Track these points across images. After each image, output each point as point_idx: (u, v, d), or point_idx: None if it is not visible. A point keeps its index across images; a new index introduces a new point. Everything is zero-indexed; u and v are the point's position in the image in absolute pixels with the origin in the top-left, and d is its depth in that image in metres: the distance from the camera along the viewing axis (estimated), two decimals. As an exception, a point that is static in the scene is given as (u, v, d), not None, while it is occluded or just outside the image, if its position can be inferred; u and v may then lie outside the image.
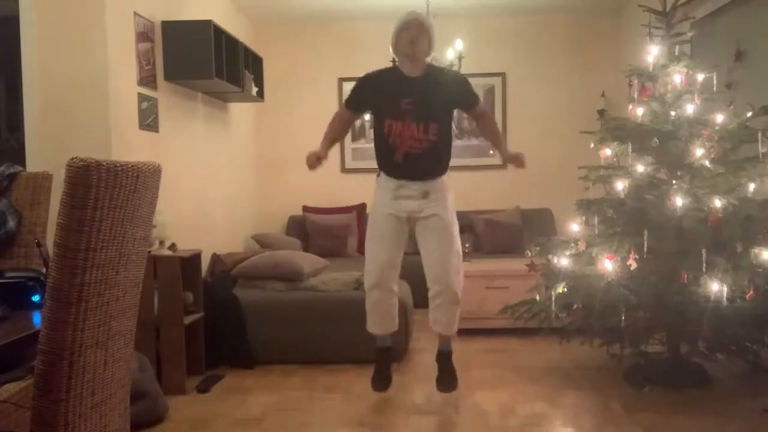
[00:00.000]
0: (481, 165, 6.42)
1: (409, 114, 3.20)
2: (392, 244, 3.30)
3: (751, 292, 3.13)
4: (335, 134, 3.47)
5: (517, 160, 3.38)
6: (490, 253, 5.88)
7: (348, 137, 6.53)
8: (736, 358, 3.44)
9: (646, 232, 3.29)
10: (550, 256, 3.76)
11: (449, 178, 3.37)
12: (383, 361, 3.47)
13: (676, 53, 3.66)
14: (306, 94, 6.56)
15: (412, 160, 3.23)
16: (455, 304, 3.31)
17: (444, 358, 3.43)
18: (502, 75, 6.51)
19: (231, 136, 5.68)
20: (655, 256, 3.34)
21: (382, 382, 3.42)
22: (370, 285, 3.33)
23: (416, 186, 3.26)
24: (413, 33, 3.21)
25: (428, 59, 3.34)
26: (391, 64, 3.65)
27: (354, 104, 3.42)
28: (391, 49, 3.31)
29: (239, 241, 5.83)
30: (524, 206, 6.34)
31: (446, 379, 3.39)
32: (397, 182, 3.28)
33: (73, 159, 1.31)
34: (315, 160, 3.31)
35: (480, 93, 6.45)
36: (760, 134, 3.34)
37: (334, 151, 6.57)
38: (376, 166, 3.41)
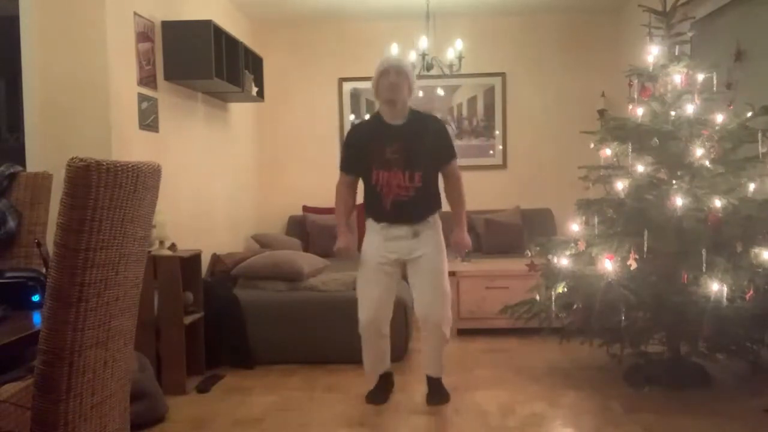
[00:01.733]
0: (481, 165, 6.42)
1: (395, 162, 3.22)
2: (382, 288, 3.31)
3: (751, 292, 3.13)
4: (345, 206, 3.44)
5: (457, 248, 3.41)
6: (490, 253, 5.88)
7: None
8: (736, 358, 3.44)
9: (646, 232, 3.29)
10: (550, 256, 3.76)
11: (438, 218, 3.37)
12: (384, 384, 3.49)
13: (676, 53, 3.66)
14: (306, 94, 6.56)
15: (400, 206, 3.24)
16: (444, 343, 3.35)
17: (434, 383, 3.43)
18: (502, 75, 6.51)
19: (231, 136, 5.67)
20: (655, 256, 3.34)
21: (378, 398, 3.42)
22: (362, 327, 3.35)
23: (406, 228, 3.27)
24: (393, 79, 3.22)
25: (409, 102, 3.33)
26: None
27: (347, 164, 3.40)
28: (373, 95, 3.34)
29: (239, 241, 5.83)
30: (524, 206, 6.34)
31: (436, 394, 3.40)
32: (386, 225, 3.29)
33: (73, 159, 1.31)
34: (346, 250, 3.37)
35: (480, 93, 6.51)
36: (760, 134, 3.34)
37: (334, 151, 6.60)
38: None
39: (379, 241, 3.30)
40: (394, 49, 5.19)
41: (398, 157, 3.21)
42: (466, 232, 3.41)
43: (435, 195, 3.35)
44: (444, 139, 3.37)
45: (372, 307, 3.29)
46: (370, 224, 3.37)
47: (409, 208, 3.25)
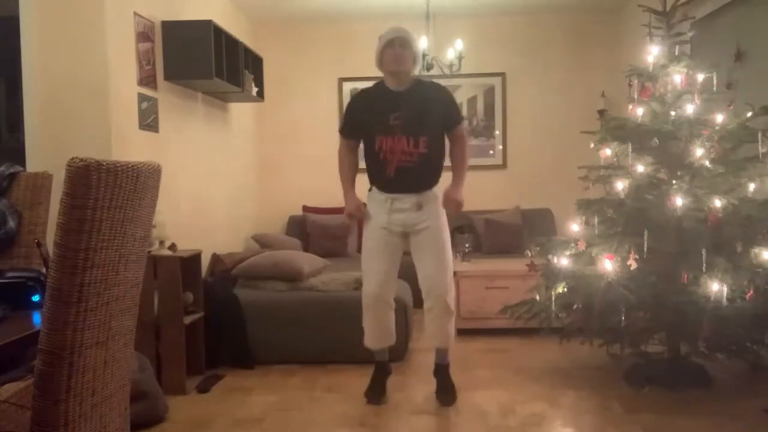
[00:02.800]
0: (481, 165, 6.42)
1: (399, 128, 3.22)
2: (388, 260, 3.32)
3: (751, 292, 3.13)
4: (349, 169, 3.45)
5: (453, 204, 3.33)
6: (490, 253, 5.88)
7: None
8: (736, 358, 3.44)
9: (646, 232, 3.29)
10: (550, 256, 3.76)
11: (439, 190, 3.38)
12: (381, 374, 3.49)
13: (676, 53, 3.66)
14: (306, 94, 6.56)
15: (404, 173, 3.25)
16: (449, 315, 3.36)
17: (441, 372, 3.46)
18: (502, 75, 6.51)
19: (231, 136, 5.68)
20: (655, 256, 3.33)
21: (377, 394, 3.42)
22: (367, 301, 3.35)
23: (410, 198, 3.28)
24: (397, 51, 3.22)
25: (416, 71, 3.35)
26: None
27: (348, 129, 3.43)
28: (376, 66, 3.34)
29: (239, 241, 5.83)
30: (524, 206, 6.34)
31: (445, 390, 3.42)
32: (391, 196, 3.30)
33: (73, 159, 1.31)
34: (356, 210, 3.35)
35: (480, 93, 6.51)
36: (760, 134, 3.34)
37: (334, 151, 6.56)
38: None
39: (383, 214, 3.30)
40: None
41: (402, 123, 3.22)
42: (461, 190, 3.35)
43: (438, 163, 3.36)
44: (449, 103, 3.40)
45: (379, 280, 3.30)
46: (374, 195, 3.37)
47: (413, 175, 3.26)
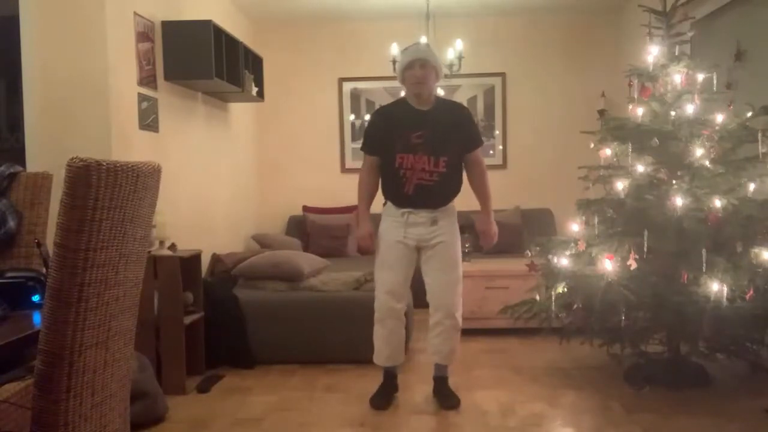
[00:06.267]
0: (481, 165, 6.41)
1: (420, 147, 3.22)
2: (402, 274, 3.31)
3: (751, 292, 3.13)
4: (368, 192, 3.40)
5: (487, 237, 3.41)
6: (490, 253, 5.86)
7: (347, 136, 6.54)
8: (736, 358, 3.44)
9: (646, 232, 3.29)
10: (550, 256, 3.76)
11: (454, 205, 3.39)
12: (389, 387, 3.45)
13: (676, 53, 3.66)
14: (306, 94, 6.56)
15: (423, 191, 3.25)
16: (457, 330, 3.35)
17: (441, 384, 3.43)
18: (502, 75, 6.51)
19: (231, 136, 5.68)
20: (655, 256, 3.34)
21: (383, 401, 3.37)
22: (380, 315, 3.32)
23: (426, 213, 3.28)
24: (419, 73, 3.23)
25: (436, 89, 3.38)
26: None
27: (371, 146, 3.39)
28: (399, 82, 3.36)
29: (239, 241, 5.83)
30: (524, 206, 6.34)
31: (446, 396, 3.38)
32: (407, 210, 3.29)
33: (73, 159, 1.31)
34: (369, 239, 3.35)
35: (480, 93, 6.51)
36: (760, 134, 3.34)
37: (334, 151, 6.64)
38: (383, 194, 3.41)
39: (399, 227, 3.29)
40: (395, 49, 5.18)
41: (424, 142, 3.22)
42: (493, 221, 3.42)
43: (457, 182, 3.36)
44: (470, 125, 3.40)
45: (393, 293, 3.29)
46: (389, 209, 3.35)
47: (431, 193, 3.26)
